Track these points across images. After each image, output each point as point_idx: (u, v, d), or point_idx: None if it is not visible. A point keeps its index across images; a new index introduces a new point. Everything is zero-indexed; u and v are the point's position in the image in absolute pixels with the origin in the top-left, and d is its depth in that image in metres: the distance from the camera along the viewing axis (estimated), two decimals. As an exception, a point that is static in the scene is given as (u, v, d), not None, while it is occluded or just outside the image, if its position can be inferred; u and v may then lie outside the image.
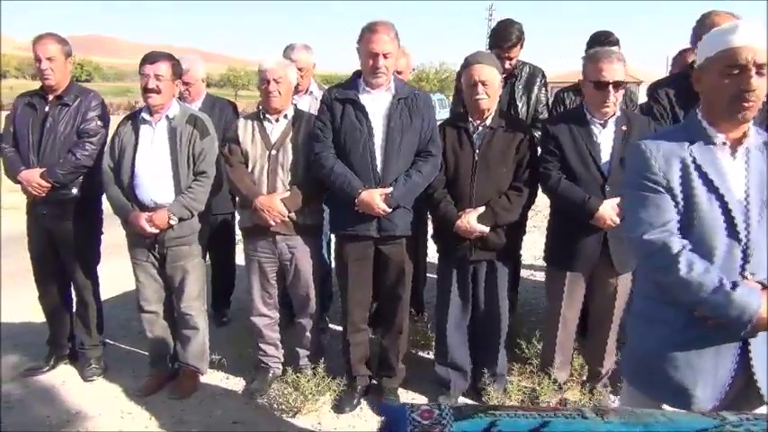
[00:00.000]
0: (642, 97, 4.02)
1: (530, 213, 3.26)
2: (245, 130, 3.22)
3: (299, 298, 3.35)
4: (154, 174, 3.14)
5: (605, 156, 2.90)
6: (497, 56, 3.41)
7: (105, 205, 3.44)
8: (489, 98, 3.01)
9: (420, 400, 3.35)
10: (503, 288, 3.16)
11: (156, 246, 3.21)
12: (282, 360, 3.48)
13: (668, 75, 4.04)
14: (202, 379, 3.48)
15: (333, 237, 3.48)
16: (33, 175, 3.27)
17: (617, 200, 2.83)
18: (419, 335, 3.85)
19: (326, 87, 3.68)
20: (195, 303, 3.35)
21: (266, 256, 3.25)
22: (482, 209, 2.99)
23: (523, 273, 4.84)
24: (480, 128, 3.07)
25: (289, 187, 3.14)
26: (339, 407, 3.20)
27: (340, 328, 3.57)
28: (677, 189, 1.67)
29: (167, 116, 3.18)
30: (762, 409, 1.67)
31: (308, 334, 3.38)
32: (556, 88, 4.06)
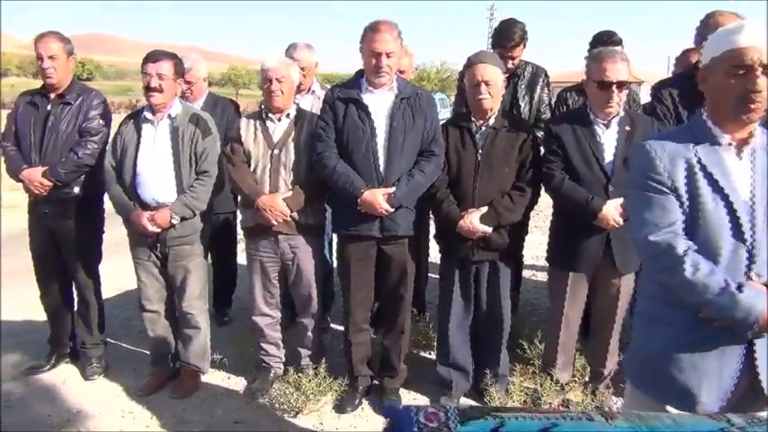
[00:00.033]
0: (644, 97, 4.01)
1: (531, 213, 3.25)
2: (247, 129, 3.22)
3: (300, 298, 3.35)
4: (156, 173, 3.13)
5: (608, 156, 2.90)
6: (500, 55, 3.40)
7: (107, 204, 3.44)
8: (492, 98, 3.00)
9: (422, 400, 3.34)
10: (505, 288, 3.15)
11: (158, 245, 3.21)
12: (284, 360, 3.48)
13: (672, 75, 4.03)
14: (204, 378, 3.48)
15: (335, 236, 3.47)
16: (35, 174, 3.27)
17: (620, 200, 2.82)
18: (421, 335, 3.85)
19: (329, 87, 3.67)
20: (197, 303, 3.34)
21: (268, 255, 3.24)
22: (485, 209, 2.98)
23: (525, 273, 4.83)
24: (483, 128, 3.06)
25: (291, 187, 3.14)
26: (341, 407, 3.20)
27: (341, 328, 3.56)
28: (682, 190, 1.66)
29: (169, 115, 3.17)
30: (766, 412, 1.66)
31: (309, 334, 3.37)
32: (556, 88, 4.04)
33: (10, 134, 3.42)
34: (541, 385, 3.18)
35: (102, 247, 3.61)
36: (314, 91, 4.00)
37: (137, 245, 3.27)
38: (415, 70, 5.17)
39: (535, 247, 4.79)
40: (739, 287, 1.56)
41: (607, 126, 2.92)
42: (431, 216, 3.44)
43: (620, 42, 3.64)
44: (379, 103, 3.03)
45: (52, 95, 3.37)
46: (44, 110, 3.35)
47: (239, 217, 3.64)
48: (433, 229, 3.37)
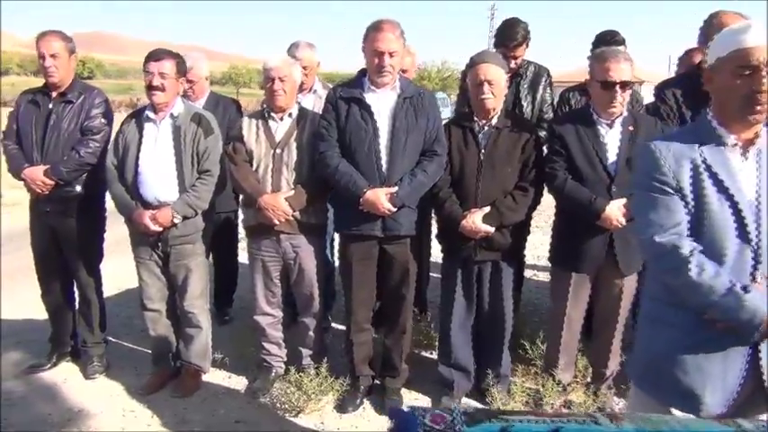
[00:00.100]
0: (646, 97, 4.00)
1: (533, 213, 3.25)
2: (249, 128, 3.21)
3: (302, 297, 3.34)
4: (158, 172, 3.13)
5: (612, 156, 2.89)
6: (503, 55, 3.40)
7: (108, 203, 3.43)
8: (495, 98, 2.99)
9: (423, 400, 3.34)
10: (507, 288, 3.15)
11: (160, 244, 3.20)
12: (285, 359, 3.47)
13: (675, 75, 4.02)
14: (205, 378, 3.48)
15: (336, 236, 3.46)
16: (37, 173, 3.26)
17: (623, 200, 2.81)
18: (422, 335, 3.84)
19: (330, 86, 3.66)
20: (198, 302, 3.34)
21: (270, 255, 3.23)
22: (487, 209, 2.98)
23: (526, 273, 4.82)
24: (486, 127, 3.06)
25: (293, 186, 3.13)
26: (342, 407, 3.19)
27: (343, 328, 3.56)
28: (687, 190, 1.65)
29: (171, 114, 3.17)
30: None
31: (311, 333, 3.37)
32: (558, 88, 4.03)
33: (11, 133, 3.41)
34: (543, 386, 3.18)
35: (103, 246, 3.60)
36: (316, 90, 3.99)
37: (138, 244, 3.26)
38: (417, 70, 5.16)
39: (536, 246, 4.78)
40: (744, 289, 1.55)
41: (610, 126, 2.92)
42: (433, 215, 3.43)
43: (623, 42, 3.63)
44: (382, 102, 3.02)
45: (54, 94, 3.36)
46: (46, 108, 3.34)
47: (240, 216, 3.63)
48: (434, 229, 3.36)
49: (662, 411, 1.65)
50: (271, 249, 3.22)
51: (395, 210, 2.96)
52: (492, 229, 2.97)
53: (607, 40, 3.60)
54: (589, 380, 3.28)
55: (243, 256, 4.04)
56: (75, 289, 3.63)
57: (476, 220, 2.96)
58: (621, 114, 2.92)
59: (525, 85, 3.82)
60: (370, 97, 3.02)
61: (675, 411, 1.67)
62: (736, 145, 1.68)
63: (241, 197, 3.43)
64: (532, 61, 3.89)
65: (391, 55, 2.94)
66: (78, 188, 3.35)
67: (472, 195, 3.01)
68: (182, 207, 3.11)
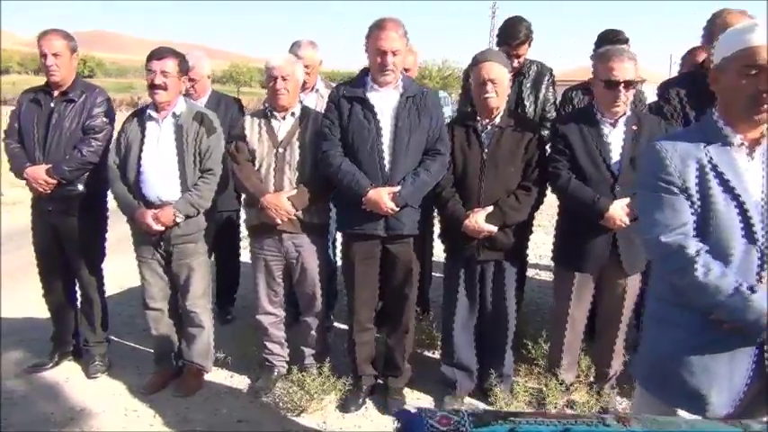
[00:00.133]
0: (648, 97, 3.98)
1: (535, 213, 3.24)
2: (251, 127, 3.20)
3: (305, 297, 3.33)
4: (160, 171, 3.12)
5: (615, 155, 2.88)
6: (505, 54, 3.38)
7: (110, 202, 3.43)
8: (498, 97, 2.98)
9: (426, 400, 3.34)
10: (510, 288, 3.14)
11: (162, 243, 3.19)
12: (287, 359, 3.46)
13: (678, 74, 4.00)
14: (207, 377, 3.47)
15: (338, 235, 3.45)
16: (39, 172, 3.25)
17: (627, 200, 2.81)
18: (424, 334, 3.83)
19: (333, 85, 3.64)
20: (200, 301, 3.33)
21: (272, 254, 3.23)
22: (490, 208, 2.97)
23: (528, 272, 4.82)
24: (489, 127, 3.05)
25: (296, 185, 3.12)
26: (344, 406, 3.19)
27: (345, 327, 3.55)
28: (693, 190, 1.64)
29: (174, 113, 3.16)
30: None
31: (313, 333, 3.36)
32: (557, 88, 4.02)
33: (13, 131, 3.40)
34: (546, 386, 3.17)
35: (105, 245, 3.60)
36: (318, 89, 3.97)
37: (141, 243, 3.25)
38: (418, 68, 5.14)
39: (538, 246, 4.78)
40: (751, 289, 1.55)
41: (614, 125, 2.90)
42: (435, 215, 3.42)
43: (626, 41, 3.60)
44: (385, 101, 3.01)
45: (56, 93, 3.35)
46: (48, 107, 3.33)
47: (242, 215, 3.62)
48: (437, 228, 3.35)
49: (668, 412, 1.65)
50: (273, 249, 3.22)
51: (398, 209, 2.95)
52: (495, 229, 2.96)
53: (610, 39, 3.58)
54: (592, 380, 3.27)
55: (245, 256, 4.03)
56: (77, 288, 3.63)
57: (479, 220, 2.95)
58: (625, 114, 2.91)
59: (528, 85, 3.81)
60: (372, 96, 3.01)
61: (681, 412, 1.66)
62: (742, 145, 1.67)
63: (243, 196, 3.42)
64: (535, 60, 3.88)
65: (394, 54, 2.93)
66: (80, 187, 3.34)
67: (475, 195, 3.01)
68: (184, 206, 3.10)
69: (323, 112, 3.21)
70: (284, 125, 3.19)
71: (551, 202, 3.16)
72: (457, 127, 3.13)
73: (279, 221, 3.10)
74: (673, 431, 1.02)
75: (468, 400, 3.27)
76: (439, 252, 3.58)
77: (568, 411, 3.00)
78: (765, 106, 1.59)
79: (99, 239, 3.55)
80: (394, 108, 3.00)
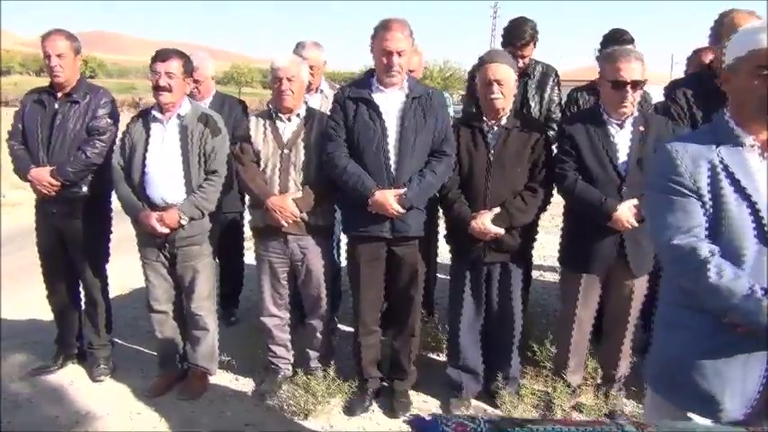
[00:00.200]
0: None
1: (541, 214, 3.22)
2: (256, 128, 3.19)
3: (310, 299, 3.32)
4: (165, 172, 3.11)
5: (622, 156, 2.86)
6: (510, 54, 3.36)
7: (114, 203, 3.41)
8: (504, 97, 2.97)
9: (432, 402, 3.32)
10: (516, 290, 3.13)
11: (167, 245, 3.18)
12: (292, 361, 3.45)
13: (684, 74, 3.99)
14: (212, 380, 3.46)
15: (343, 237, 3.44)
16: (43, 174, 3.24)
17: (634, 201, 2.79)
18: (430, 336, 3.81)
19: (337, 86, 3.63)
20: (205, 303, 3.32)
21: (277, 256, 3.21)
22: (497, 210, 2.95)
23: (532, 273, 4.79)
24: (495, 128, 3.03)
25: (301, 187, 3.11)
26: (350, 409, 3.17)
27: (350, 329, 3.53)
28: (705, 191, 1.62)
29: (178, 114, 3.15)
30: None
31: (318, 335, 3.34)
32: (566, 88, 4.00)
33: (17, 133, 3.39)
34: (553, 388, 3.15)
35: (109, 247, 3.58)
36: (322, 90, 3.96)
37: (145, 245, 3.24)
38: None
39: (543, 247, 4.75)
40: (765, 292, 1.53)
41: (621, 126, 2.88)
42: (440, 216, 3.40)
43: (631, 41, 3.58)
44: (390, 102, 3.00)
45: (59, 94, 3.34)
46: (51, 108, 3.32)
47: (246, 216, 3.61)
48: (442, 230, 3.33)
49: (679, 415, 1.63)
50: (278, 250, 3.20)
51: (403, 211, 2.93)
52: (502, 231, 2.94)
53: (616, 39, 3.56)
54: (599, 382, 3.25)
55: (249, 257, 4.01)
56: (81, 290, 3.62)
57: (485, 222, 2.93)
58: (632, 114, 2.89)
59: (533, 85, 3.79)
60: (378, 97, 3.00)
61: (693, 416, 1.64)
62: (754, 145, 1.65)
63: (248, 198, 3.40)
64: (540, 61, 3.86)
65: (400, 54, 2.92)
66: (84, 189, 3.33)
67: (481, 196, 2.99)
68: (189, 208, 3.09)
69: (328, 112, 3.19)
70: (289, 126, 3.17)
71: (555, 202, 3.14)
72: (463, 128, 3.11)
73: (284, 224, 3.08)
74: (692, 438, 1.00)
75: (474, 402, 3.25)
76: (444, 253, 3.56)
77: (582, 418, 2.96)
78: None
79: (103, 241, 3.53)
80: (399, 109, 2.99)
